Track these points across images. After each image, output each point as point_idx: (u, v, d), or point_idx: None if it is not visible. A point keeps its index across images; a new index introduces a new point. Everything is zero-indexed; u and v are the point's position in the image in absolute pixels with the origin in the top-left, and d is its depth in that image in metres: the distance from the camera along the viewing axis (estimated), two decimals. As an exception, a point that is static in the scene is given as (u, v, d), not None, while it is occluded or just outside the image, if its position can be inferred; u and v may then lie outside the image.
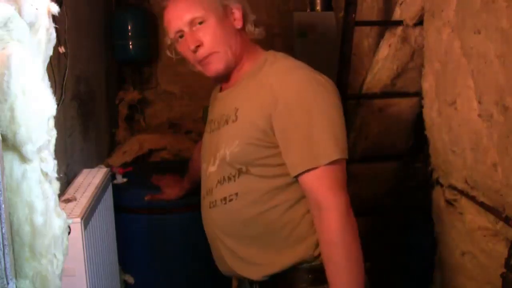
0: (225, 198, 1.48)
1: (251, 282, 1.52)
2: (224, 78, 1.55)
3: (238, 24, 1.49)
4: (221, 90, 1.62)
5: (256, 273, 1.49)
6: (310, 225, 1.44)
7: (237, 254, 1.51)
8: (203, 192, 1.58)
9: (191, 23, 1.46)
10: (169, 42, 1.58)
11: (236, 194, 1.46)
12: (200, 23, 1.46)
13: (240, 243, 1.50)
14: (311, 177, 1.37)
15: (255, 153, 1.42)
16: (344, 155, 1.38)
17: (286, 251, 1.45)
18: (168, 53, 1.62)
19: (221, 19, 1.46)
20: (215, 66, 1.49)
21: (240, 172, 1.44)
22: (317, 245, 1.43)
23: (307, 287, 1.45)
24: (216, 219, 1.52)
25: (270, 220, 1.42)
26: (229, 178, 1.46)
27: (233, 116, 1.46)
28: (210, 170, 1.52)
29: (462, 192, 1.94)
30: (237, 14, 1.50)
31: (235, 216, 1.48)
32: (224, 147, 1.46)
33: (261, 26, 1.55)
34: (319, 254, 1.44)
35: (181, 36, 1.50)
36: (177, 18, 1.48)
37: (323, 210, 1.35)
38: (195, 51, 1.47)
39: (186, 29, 1.47)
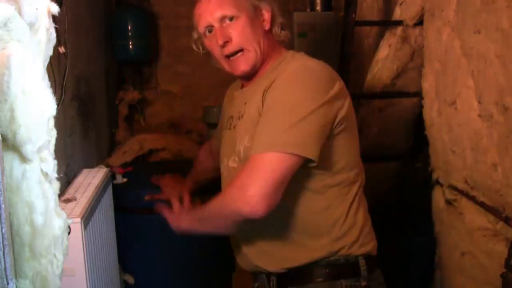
0: None
1: (268, 274, 1.54)
2: (248, 77, 1.57)
3: (266, 26, 1.52)
4: (242, 87, 1.64)
5: (273, 265, 1.50)
6: (329, 220, 1.46)
7: (255, 246, 1.53)
8: (223, 186, 1.60)
9: (222, 19, 1.48)
10: (195, 36, 1.59)
11: None
12: (231, 19, 1.48)
13: (258, 236, 1.52)
14: (251, 158, 1.36)
15: None
16: (299, 151, 1.33)
17: (305, 246, 1.47)
18: (194, 47, 1.62)
19: (251, 18, 1.49)
20: (243, 66, 1.51)
21: None
22: (335, 240, 1.45)
23: (323, 282, 1.46)
24: None
25: (287, 215, 1.43)
26: None
27: (243, 111, 1.50)
28: (231, 165, 1.54)
29: (462, 192, 1.94)
30: (266, 15, 1.53)
31: None
32: (238, 143, 1.49)
33: (288, 28, 1.57)
34: (338, 250, 1.46)
35: (209, 31, 1.52)
36: (209, 13, 1.49)
37: (233, 183, 1.37)
38: (223, 46, 1.49)
39: (216, 24, 1.49)
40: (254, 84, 1.54)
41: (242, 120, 1.49)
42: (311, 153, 1.34)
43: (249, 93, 1.54)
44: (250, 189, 1.31)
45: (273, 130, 1.35)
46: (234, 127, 1.54)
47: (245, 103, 1.50)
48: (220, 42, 1.48)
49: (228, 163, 1.55)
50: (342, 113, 1.44)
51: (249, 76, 1.56)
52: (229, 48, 1.49)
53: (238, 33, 1.47)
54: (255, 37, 1.49)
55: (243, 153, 1.46)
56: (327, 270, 1.44)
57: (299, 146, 1.33)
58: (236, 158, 1.50)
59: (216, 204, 1.44)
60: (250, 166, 1.35)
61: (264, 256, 1.53)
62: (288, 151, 1.32)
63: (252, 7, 1.50)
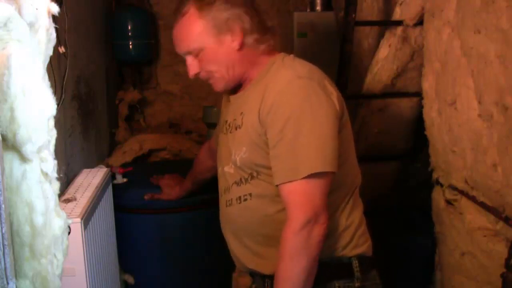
0: (240, 198, 1.52)
1: (263, 277, 1.55)
2: (233, 90, 1.58)
3: (236, 46, 1.48)
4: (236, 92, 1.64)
5: (267, 268, 1.51)
6: None
7: (250, 250, 1.55)
8: (220, 190, 1.62)
9: (187, 53, 1.52)
10: None
11: (250, 194, 1.50)
12: (195, 52, 1.50)
13: (253, 241, 1.54)
14: (286, 189, 1.39)
15: (262, 158, 1.45)
16: (328, 168, 1.38)
17: None
18: None
19: (216, 46, 1.48)
20: (217, 86, 1.56)
21: (251, 175, 1.49)
22: (328, 243, 1.46)
23: (316, 283, 1.45)
24: (232, 217, 1.57)
25: (282, 220, 1.43)
26: (246, 180, 1.50)
27: (240, 121, 1.50)
28: (227, 170, 1.56)
29: (462, 192, 1.94)
30: (236, 36, 1.48)
31: (249, 215, 1.52)
32: (234, 152, 1.51)
33: (270, 39, 1.53)
34: (330, 252, 1.48)
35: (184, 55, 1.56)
36: (177, 46, 1.54)
37: (286, 222, 1.38)
38: (195, 76, 1.55)
39: (185, 56, 1.53)
40: (247, 90, 1.54)
41: (240, 131, 1.50)
42: (334, 167, 1.39)
43: (243, 99, 1.54)
44: (304, 218, 1.36)
45: (299, 155, 1.38)
46: (230, 133, 1.55)
47: (241, 113, 1.50)
48: (191, 75, 1.53)
49: (224, 169, 1.57)
50: (342, 115, 1.46)
51: (233, 89, 1.58)
52: (201, 77, 1.54)
53: (204, 64, 1.50)
54: (223, 63, 1.49)
55: (239, 163, 1.49)
56: (320, 272, 1.43)
57: (325, 164, 1.37)
58: (233, 166, 1.53)
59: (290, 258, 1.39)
60: (292, 199, 1.38)
61: (258, 260, 1.54)
62: (318, 171, 1.36)
63: (217, 34, 1.47)
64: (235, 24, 1.46)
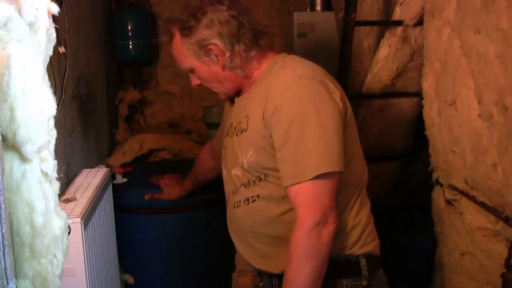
0: (248, 199, 1.53)
1: (271, 275, 1.56)
2: (237, 93, 1.61)
3: (220, 64, 1.51)
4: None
5: (275, 267, 1.52)
6: None
7: (257, 251, 1.56)
8: (228, 192, 1.63)
9: (185, 69, 1.58)
10: None
11: (258, 196, 1.51)
12: (192, 72, 1.58)
13: (260, 241, 1.55)
14: (294, 191, 1.40)
15: (269, 161, 1.46)
16: (334, 167, 1.38)
17: None
18: None
19: (203, 65, 1.53)
20: (219, 96, 1.63)
21: (259, 178, 1.50)
22: (337, 242, 1.46)
23: (323, 281, 1.46)
24: (239, 218, 1.58)
25: (290, 221, 1.44)
26: (253, 182, 1.51)
27: (245, 124, 1.51)
28: (235, 173, 1.57)
29: (462, 192, 1.94)
30: (217, 57, 1.50)
31: (256, 216, 1.53)
32: (241, 156, 1.51)
33: (262, 40, 1.53)
34: (339, 251, 1.48)
35: None
36: (176, 62, 1.60)
37: (295, 224, 1.39)
38: (198, 87, 1.63)
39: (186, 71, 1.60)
40: (250, 91, 1.55)
41: (246, 135, 1.50)
42: (340, 166, 1.40)
43: (246, 101, 1.55)
44: (313, 219, 1.37)
45: (305, 156, 1.38)
46: (236, 136, 1.55)
47: (246, 116, 1.51)
48: (194, 86, 1.62)
49: (232, 171, 1.58)
50: (345, 114, 1.47)
51: (237, 93, 1.60)
52: (205, 86, 1.60)
53: (201, 80, 1.58)
54: (214, 80, 1.56)
55: (247, 166, 1.50)
56: (328, 270, 1.44)
57: (332, 164, 1.38)
58: (240, 169, 1.54)
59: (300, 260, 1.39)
60: (300, 200, 1.39)
61: (265, 260, 1.56)
62: (324, 171, 1.37)
63: (198, 58, 1.51)
64: (215, 47, 1.49)
